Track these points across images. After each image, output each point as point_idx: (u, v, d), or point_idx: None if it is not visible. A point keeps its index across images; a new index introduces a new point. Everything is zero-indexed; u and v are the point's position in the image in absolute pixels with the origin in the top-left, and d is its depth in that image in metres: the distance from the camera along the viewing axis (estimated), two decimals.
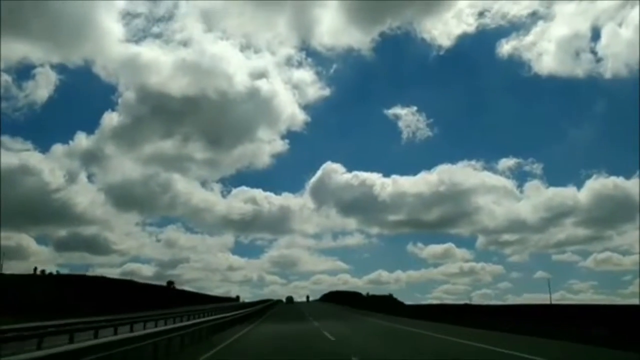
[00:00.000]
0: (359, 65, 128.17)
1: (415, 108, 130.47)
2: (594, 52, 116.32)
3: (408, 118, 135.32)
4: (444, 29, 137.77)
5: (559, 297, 67.78)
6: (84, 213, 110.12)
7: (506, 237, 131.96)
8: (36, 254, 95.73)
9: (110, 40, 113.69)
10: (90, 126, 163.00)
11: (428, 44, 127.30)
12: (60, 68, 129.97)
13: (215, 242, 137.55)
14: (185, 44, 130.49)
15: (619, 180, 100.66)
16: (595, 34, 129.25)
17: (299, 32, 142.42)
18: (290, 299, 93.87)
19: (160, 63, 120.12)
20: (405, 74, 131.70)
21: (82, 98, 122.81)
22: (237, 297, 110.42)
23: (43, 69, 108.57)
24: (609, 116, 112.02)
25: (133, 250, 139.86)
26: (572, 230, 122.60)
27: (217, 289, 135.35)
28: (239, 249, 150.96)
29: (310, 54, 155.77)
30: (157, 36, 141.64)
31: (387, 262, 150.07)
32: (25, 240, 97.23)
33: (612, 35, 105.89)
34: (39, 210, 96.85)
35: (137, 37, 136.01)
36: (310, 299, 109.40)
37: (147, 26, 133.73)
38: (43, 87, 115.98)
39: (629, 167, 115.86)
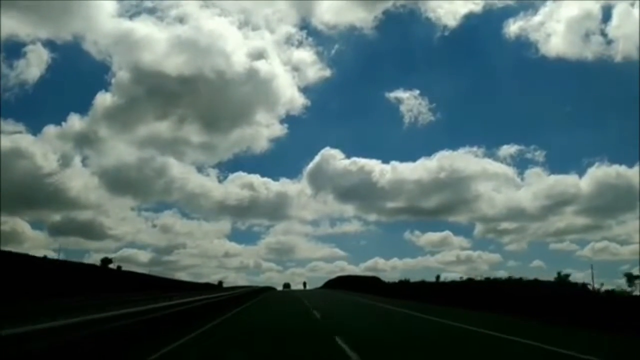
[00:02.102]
0: (361, 45, 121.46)
1: (418, 91, 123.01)
2: (604, 33, 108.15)
3: (410, 102, 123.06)
4: (450, 7, 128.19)
5: None
6: (78, 197, 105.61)
7: (505, 225, 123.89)
8: (31, 239, 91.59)
9: (102, 15, 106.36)
10: (83, 107, 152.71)
11: (433, 23, 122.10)
12: (49, 45, 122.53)
13: (211, 228, 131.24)
14: (181, 20, 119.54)
15: (621, 169, 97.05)
16: (607, 14, 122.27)
17: (299, 9, 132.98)
18: (287, 285, 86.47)
19: (155, 40, 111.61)
20: (408, 55, 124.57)
21: (73, 77, 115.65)
22: (220, 283, 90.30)
23: (34, 46, 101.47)
24: (616, 101, 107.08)
25: (129, 236, 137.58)
26: (571, 219, 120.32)
27: (214, 275, 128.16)
28: (235, 235, 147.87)
29: (311, 33, 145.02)
30: (151, 11, 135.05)
31: (383, 249, 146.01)
32: (19, 224, 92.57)
33: (624, 15, 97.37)
34: (33, 194, 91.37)
35: (131, 12, 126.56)
36: (309, 286, 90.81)
37: (141, 0, 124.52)
38: (34, 65, 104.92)
39: (633, 155, 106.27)
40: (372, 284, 51.14)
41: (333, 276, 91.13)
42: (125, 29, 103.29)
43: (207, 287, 70.21)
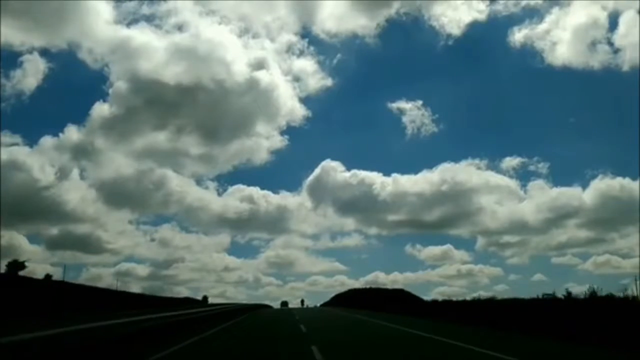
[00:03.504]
0: (363, 54, 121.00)
1: (420, 102, 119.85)
2: (610, 42, 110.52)
3: (413, 113, 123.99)
4: (454, 15, 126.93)
5: None
6: (75, 210, 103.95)
7: (507, 238, 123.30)
8: (29, 254, 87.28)
9: (99, 22, 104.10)
10: (81, 117, 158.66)
11: (436, 31, 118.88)
12: (44, 53, 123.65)
13: (210, 241, 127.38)
14: (180, 28, 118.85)
15: (625, 181, 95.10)
16: (613, 23, 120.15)
17: (300, 16, 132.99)
18: (285, 304, 77.32)
19: (153, 48, 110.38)
20: (411, 64, 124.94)
21: (70, 86, 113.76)
22: (205, 298, 76.25)
23: (31, 55, 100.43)
24: (621, 111, 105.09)
25: (127, 250, 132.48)
26: (574, 232, 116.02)
27: (213, 289, 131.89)
28: (235, 249, 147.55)
29: (312, 42, 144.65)
30: (150, 19, 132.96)
31: (384, 263, 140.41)
32: (17, 239, 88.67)
33: (630, 24, 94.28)
34: (30, 207, 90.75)
35: (128, 19, 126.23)
36: (310, 302, 79.32)
37: (139, 7, 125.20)
38: (30, 75, 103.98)
39: (636, 167, 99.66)
40: (400, 300, 37.06)
41: (334, 291, 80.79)
42: (123, 37, 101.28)
43: (184, 302, 56.32)
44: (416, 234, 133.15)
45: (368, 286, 63.54)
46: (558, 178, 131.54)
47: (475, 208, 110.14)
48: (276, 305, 75.53)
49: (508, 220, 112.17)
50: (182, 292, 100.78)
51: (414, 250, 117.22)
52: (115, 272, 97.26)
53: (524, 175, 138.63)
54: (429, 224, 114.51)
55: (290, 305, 74.34)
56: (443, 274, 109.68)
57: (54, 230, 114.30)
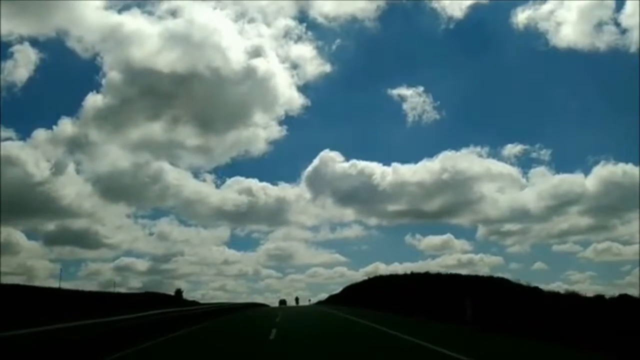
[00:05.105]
0: (363, 39, 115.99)
1: (422, 88, 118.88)
2: (617, 22, 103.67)
3: (414, 100, 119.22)
4: None
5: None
6: (71, 205, 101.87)
7: (508, 226, 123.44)
8: (27, 250, 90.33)
9: (88, 8, 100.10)
10: (74, 109, 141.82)
11: (438, 14, 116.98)
12: (32, 42, 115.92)
13: (209, 234, 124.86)
14: (173, 13, 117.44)
15: (628, 167, 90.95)
16: (620, 2, 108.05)
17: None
18: (283, 302, 73.99)
19: (146, 35, 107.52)
20: (412, 48, 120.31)
21: (61, 77, 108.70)
22: (179, 293, 62.57)
23: (21, 46, 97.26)
24: (626, 94, 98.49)
25: (125, 244, 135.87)
26: (576, 219, 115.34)
27: (212, 283, 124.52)
28: (234, 242, 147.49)
29: (310, 26, 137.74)
30: (141, 4, 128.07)
31: (384, 254, 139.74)
32: (14, 235, 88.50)
33: (638, 3, 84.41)
34: (27, 203, 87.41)
35: (119, 5, 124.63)
36: (310, 298, 73.87)
37: None
38: (21, 66, 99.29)
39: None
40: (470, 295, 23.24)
41: (334, 282, 76.43)
42: (114, 24, 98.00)
43: (146, 301, 42.54)
44: (416, 223, 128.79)
45: (407, 271, 42.84)
46: (560, 165, 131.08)
47: (476, 196, 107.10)
48: (274, 303, 71.90)
49: (509, 208, 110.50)
50: (182, 285, 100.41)
51: (413, 240, 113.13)
52: (115, 267, 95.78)
53: (525, 163, 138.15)
54: (429, 214, 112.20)
55: (288, 303, 69.68)
56: (443, 263, 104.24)
57: (50, 226, 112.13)
